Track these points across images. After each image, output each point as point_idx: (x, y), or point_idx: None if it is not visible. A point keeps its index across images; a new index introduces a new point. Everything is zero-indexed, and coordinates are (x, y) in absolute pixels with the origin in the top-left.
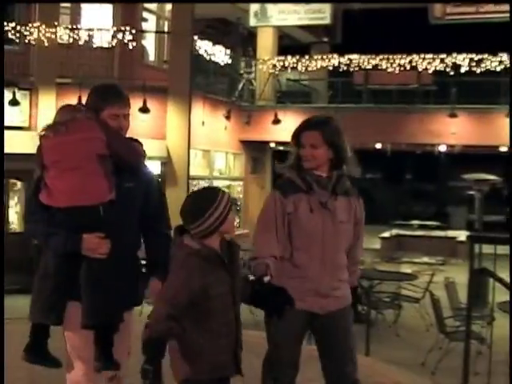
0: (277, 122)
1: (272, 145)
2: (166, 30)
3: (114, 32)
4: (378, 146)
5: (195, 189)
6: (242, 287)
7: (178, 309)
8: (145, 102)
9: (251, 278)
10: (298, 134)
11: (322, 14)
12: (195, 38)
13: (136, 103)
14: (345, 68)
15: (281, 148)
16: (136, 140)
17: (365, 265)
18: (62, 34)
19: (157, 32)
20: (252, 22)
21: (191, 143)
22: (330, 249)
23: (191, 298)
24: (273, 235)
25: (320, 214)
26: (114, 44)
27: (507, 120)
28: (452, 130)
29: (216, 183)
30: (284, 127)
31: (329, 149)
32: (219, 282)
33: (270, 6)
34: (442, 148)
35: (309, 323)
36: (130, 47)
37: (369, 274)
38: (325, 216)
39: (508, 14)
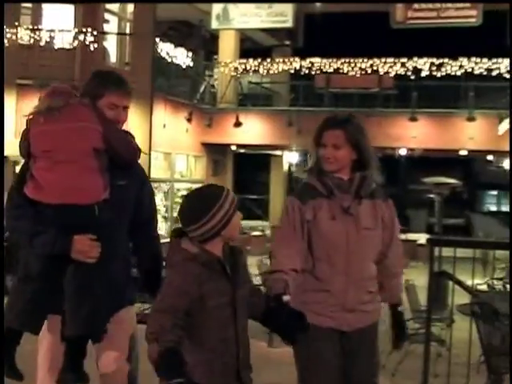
0: (238, 124)
1: (233, 147)
2: (127, 31)
3: (76, 33)
4: None
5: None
6: (255, 302)
7: (180, 317)
8: None
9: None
10: (319, 134)
11: (284, 18)
12: (157, 40)
13: None
14: (306, 71)
15: (242, 151)
16: (129, 133)
17: None
18: (23, 35)
19: (118, 34)
20: (214, 24)
21: (152, 145)
22: (355, 259)
23: (189, 306)
24: (292, 246)
25: (342, 220)
26: (75, 45)
27: (467, 124)
28: (412, 134)
29: (177, 186)
30: (245, 130)
31: (352, 149)
32: (218, 291)
33: (232, 9)
34: (403, 151)
35: (339, 341)
36: (92, 49)
37: None
38: (348, 222)
39: (470, 20)
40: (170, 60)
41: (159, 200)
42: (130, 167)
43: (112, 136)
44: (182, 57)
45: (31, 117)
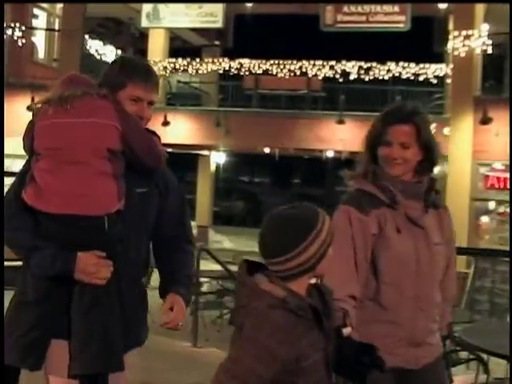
0: (166, 123)
1: None
2: (56, 27)
3: (4, 28)
4: (267, 150)
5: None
6: None
7: None
8: (33, 100)
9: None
10: (381, 129)
11: (214, 18)
12: (86, 36)
13: (24, 101)
14: (235, 72)
15: (169, 150)
16: (154, 133)
17: None
18: None
19: (47, 29)
20: (144, 22)
21: None
22: (425, 281)
23: (276, 372)
24: (350, 267)
25: (411, 234)
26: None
27: None
28: (339, 137)
29: None
30: (173, 129)
31: (420, 148)
32: (313, 347)
33: (162, 8)
34: (330, 153)
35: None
36: (20, 44)
37: None
38: (417, 236)
39: (399, 25)
40: (98, 57)
41: None
42: (151, 173)
43: (132, 136)
44: (110, 54)
45: (39, 106)
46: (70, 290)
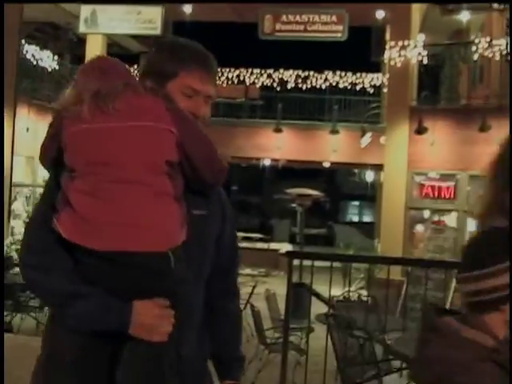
0: None
1: None
2: None
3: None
4: None
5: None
6: None
7: None
8: None
9: None
10: None
11: (153, 25)
12: (22, 41)
13: None
14: None
15: None
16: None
17: None
18: None
19: None
20: (81, 28)
21: (15, 150)
22: None
23: None
24: None
25: None
26: None
27: (331, 136)
28: (277, 145)
29: (40, 191)
30: None
31: None
32: None
33: (100, 14)
34: (267, 162)
35: None
36: None
37: None
38: None
39: (336, 34)
40: (35, 62)
41: (21, 205)
42: (210, 191)
43: (191, 142)
44: (48, 60)
45: (63, 106)
46: (116, 347)
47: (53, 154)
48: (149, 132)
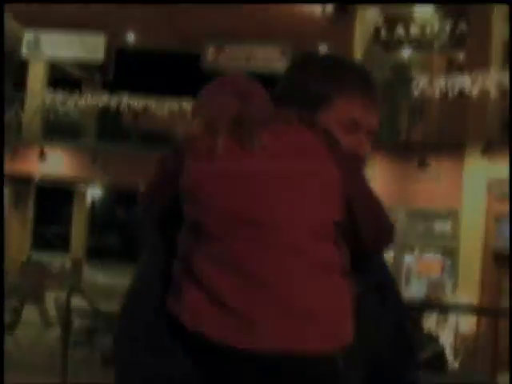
0: (43, 157)
1: (37, 180)
2: None
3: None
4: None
5: None
6: None
7: None
8: None
9: None
10: None
11: (96, 51)
12: None
13: None
14: (115, 107)
15: (45, 184)
16: None
17: None
18: None
19: None
20: (24, 51)
21: None
22: None
23: None
24: None
25: None
26: None
27: None
28: None
29: None
30: (50, 163)
31: None
32: None
33: (43, 38)
34: None
35: None
36: None
37: None
38: None
39: (276, 65)
40: None
41: None
42: (368, 259)
43: (357, 193)
44: None
45: (189, 139)
46: None
47: (164, 203)
48: (313, 180)
